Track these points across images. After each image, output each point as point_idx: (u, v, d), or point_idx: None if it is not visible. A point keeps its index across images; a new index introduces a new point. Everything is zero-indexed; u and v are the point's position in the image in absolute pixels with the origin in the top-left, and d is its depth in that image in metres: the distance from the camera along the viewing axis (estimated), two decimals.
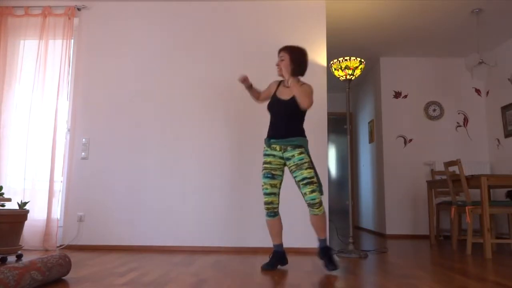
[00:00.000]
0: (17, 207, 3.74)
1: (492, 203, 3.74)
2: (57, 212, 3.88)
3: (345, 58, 3.72)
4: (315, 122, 4.02)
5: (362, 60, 3.73)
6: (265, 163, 2.88)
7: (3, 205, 3.32)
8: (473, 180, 3.80)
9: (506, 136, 5.28)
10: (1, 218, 3.03)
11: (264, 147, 2.94)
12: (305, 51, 2.94)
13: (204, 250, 3.86)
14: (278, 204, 2.87)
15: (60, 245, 3.90)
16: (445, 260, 3.36)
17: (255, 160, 3.98)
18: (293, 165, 2.77)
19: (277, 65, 2.91)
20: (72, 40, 4.16)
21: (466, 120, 5.80)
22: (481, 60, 4.39)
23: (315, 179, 2.75)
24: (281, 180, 2.90)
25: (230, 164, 3.98)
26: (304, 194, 2.75)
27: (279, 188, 2.89)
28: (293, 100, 2.84)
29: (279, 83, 3.04)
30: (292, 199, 3.91)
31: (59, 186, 3.95)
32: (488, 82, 5.74)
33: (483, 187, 3.65)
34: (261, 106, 4.05)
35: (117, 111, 4.09)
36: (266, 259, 3.32)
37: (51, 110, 4.02)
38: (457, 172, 5.20)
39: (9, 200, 3.26)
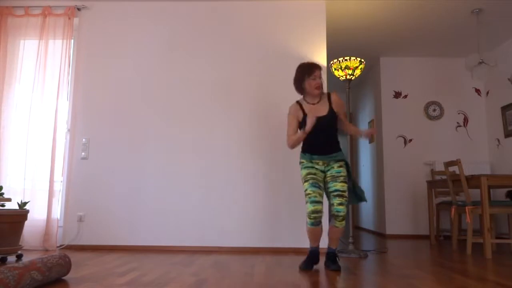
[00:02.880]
0: (17, 207, 3.74)
1: (492, 203, 3.74)
2: (57, 212, 3.88)
3: (345, 58, 3.72)
4: None
5: (362, 60, 3.73)
6: (309, 174, 2.84)
7: (3, 205, 3.32)
8: (473, 180, 3.80)
9: (506, 136, 5.28)
10: (1, 218, 3.03)
11: (302, 161, 2.91)
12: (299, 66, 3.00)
13: (204, 250, 3.86)
14: (323, 213, 2.83)
15: (60, 245, 3.90)
16: (445, 260, 3.36)
17: (255, 160, 3.98)
18: (330, 176, 2.85)
19: (319, 84, 2.87)
20: (72, 40, 4.16)
21: (466, 120, 5.80)
22: (481, 60, 4.39)
23: (346, 194, 2.80)
24: (323, 191, 2.89)
25: (230, 164, 3.98)
26: (331, 205, 2.80)
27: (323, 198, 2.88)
28: (331, 114, 2.87)
29: (299, 104, 2.96)
30: (294, 200, 3.91)
31: (59, 186, 3.95)
32: (488, 82, 5.74)
33: (483, 187, 3.65)
34: (262, 106, 4.05)
35: (117, 111, 4.09)
36: (266, 259, 3.32)
37: (51, 110, 4.02)
38: (457, 172, 5.20)
39: (9, 200, 3.26)
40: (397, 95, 5.90)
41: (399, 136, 5.80)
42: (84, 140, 4.05)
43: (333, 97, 2.95)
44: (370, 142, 6.51)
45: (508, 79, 5.27)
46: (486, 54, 4.47)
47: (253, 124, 4.03)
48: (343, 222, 2.82)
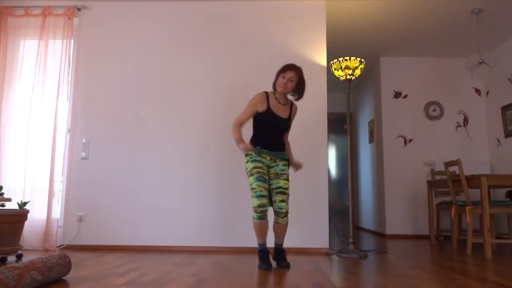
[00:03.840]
0: (17, 207, 3.74)
1: (492, 203, 3.74)
2: (57, 212, 3.88)
3: (345, 58, 3.72)
4: (315, 122, 4.02)
5: (362, 60, 3.73)
6: (256, 167, 2.88)
7: (3, 205, 3.32)
8: (473, 180, 3.80)
9: (506, 136, 5.28)
10: (1, 218, 3.03)
11: (251, 154, 2.93)
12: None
13: (204, 250, 3.86)
14: (268, 207, 2.86)
15: (60, 245, 3.90)
16: (445, 260, 3.36)
17: None
18: (273, 173, 2.95)
19: (285, 84, 2.92)
20: (72, 40, 4.16)
21: (466, 120, 5.80)
22: (481, 60, 4.39)
23: (288, 191, 2.93)
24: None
25: (230, 164, 3.98)
26: (273, 201, 2.91)
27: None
28: (288, 120, 3.05)
29: (267, 96, 3.01)
30: (292, 200, 3.91)
31: (59, 186, 3.95)
32: (488, 82, 5.74)
33: (483, 187, 3.65)
34: None
35: (117, 111, 4.09)
36: None
37: (51, 110, 4.02)
38: (457, 172, 5.20)
39: (9, 200, 3.26)
40: (397, 95, 5.90)
41: (399, 136, 5.80)
42: (84, 140, 4.05)
43: (294, 108, 3.12)
44: (370, 142, 6.51)
45: (508, 79, 5.27)
46: (486, 54, 4.47)
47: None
48: (286, 218, 2.91)
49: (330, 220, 7.19)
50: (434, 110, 5.82)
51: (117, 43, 4.20)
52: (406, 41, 5.39)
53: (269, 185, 2.94)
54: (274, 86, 3.02)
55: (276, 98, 3.02)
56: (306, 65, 4.09)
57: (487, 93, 5.76)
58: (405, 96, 5.89)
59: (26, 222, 3.71)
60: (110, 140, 4.05)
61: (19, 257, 3.16)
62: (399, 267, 2.95)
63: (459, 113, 5.82)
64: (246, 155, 2.95)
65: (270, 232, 3.65)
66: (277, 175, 2.92)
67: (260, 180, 2.83)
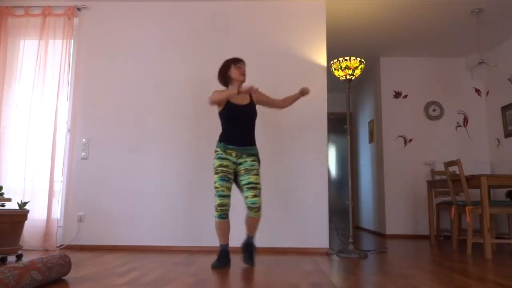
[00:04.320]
0: (17, 207, 3.74)
1: (492, 203, 3.74)
2: (57, 212, 3.88)
3: (345, 58, 3.72)
4: (315, 122, 4.02)
5: (362, 60, 3.73)
6: (221, 166, 2.90)
7: (3, 205, 3.32)
8: (473, 180, 3.80)
9: (506, 136, 5.28)
10: (1, 218, 3.03)
11: (217, 150, 2.96)
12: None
13: (204, 250, 3.86)
14: (229, 206, 2.91)
15: (60, 245, 3.90)
16: (445, 260, 3.36)
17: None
18: (243, 169, 2.93)
19: (244, 72, 3.06)
20: (72, 40, 4.16)
21: (466, 120, 5.80)
22: (481, 60, 4.39)
23: (259, 186, 2.92)
24: (232, 185, 2.96)
25: None
26: (245, 197, 2.90)
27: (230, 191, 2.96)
28: (252, 105, 3.02)
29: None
30: (292, 200, 3.91)
31: (59, 186, 3.95)
32: (488, 82, 5.74)
33: (483, 187, 3.65)
34: (264, 107, 4.05)
35: (117, 111, 4.09)
36: (266, 259, 3.32)
37: (51, 110, 4.02)
38: (457, 172, 5.20)
39: (9, 200, 3.26)
40: (397, 95, 5.90)
41: (399, 136, 5.80)
42: (84, 140, 4.05)
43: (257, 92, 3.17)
44: (370, 142, 6.51)
45: (508, 79, 5.27)
46: (486, 54, 4.47)
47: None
48: (259, 212, 2.90)
49: (330, 220, 7.20)
50: (434, 110, 5.82)
51: (117, 43, 4.20)
52: (406, 41, 5.39)
53: (240, 181, 2.93)
54: (225, 80, 3.08)
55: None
56: (306, 65, 4.10)
57: (487, 93, 5.76)
58: (405, 96, 5.89)
59: (26, 222, 3.71)
60: (110, 140, 4.05)
61: (19, 257, 3.16)
62: (399, 267, 2.95)
63: (459, 113, 5.82)
64: (215, 151, 2.99)
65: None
66: (247, 171, 2.90)
67: (223, 180, 2.87)
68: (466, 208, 3.83)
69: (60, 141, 4.00)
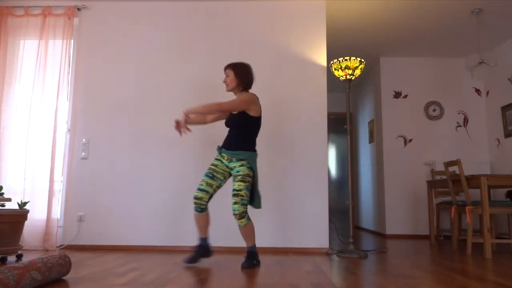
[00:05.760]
0: (17, 207, 3.74)
1: (492, 203, 3.74)
2: (57, 212, 3.88)
3: (345, 58, 3.72)
4: (315, 122, 4.02)
5: (362, 60, 3.73)
6: (212, 165, 3.04)
7: (3, 205, 3.32)
8: (473, 180, 3.80)
9: (506, 136, 5.28)
10: (1, 218, 3.03)
11: (217, 153, 3.08)
12: (248, 65, 3.09)
13: None
14: (206, 202, 2.96)
15: (60, 245, 3.90)
16: (445, 260, 3.36)
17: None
18: (234, 175, 2.95)
19: (224, 82, 3.08)
20: (72, 40, 4.16)
21: (466, 120, 5.80)
22: (481, 60, 4.39)
23: (242, 192, 2.86)
24: (219, 184, 3.02)
25: None
26: (231, 203, 2.93)
27: (214, 190, 3.00)
28: (240, 114, 2.98)
29: None
30: (292, 200, 3.91)
31: (59, 186, 3.95)
32: (488, 82, 5.74)
33: (483, 187, 3.65)
34: (264, 108, 4.05)
35: (117, 111, 4.09)
36: (266, 258, 3.32)
37: (51, 110, 4.02)
38: (457, 172, 5.20)
39: (9, 200, 3.26)
40: (397, 95, 5.90)
41: (399, 136, 5.80)
42: (84, 140, 4.05)
43: (240, 94, 3.03)
44: (370, 142, 6.51)
45: (508, 79, 5.27)
46: (486, 54, 4.47)
47: None
48: (242, 220, 2.84)
49: (330, 220, 7.20)
50: (434, 110, 5.82)
51: (117, 43, 4.20)
52: (406, 41, 5.39)
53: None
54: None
55: None
56: (306, 65, 4.10)
57: (487, 93, 5.76)
58: (405, 96, 5.89)
59: (26, 222, 3.71)
60: (110, 140, 4.05)
61: (19, 257, 3.16)
62: (399, 267, 2.95)
63: (459, 113, 5.82)
64: None
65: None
66: (234, 177, 2.93)
67: (206, 175, 2.98)
68: (466, 208, 3.83)
69: (60, 141, 4.00)
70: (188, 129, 2.97)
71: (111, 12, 4.25)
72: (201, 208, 2.96)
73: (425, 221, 5.58)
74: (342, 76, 3.80)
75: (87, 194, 3.97)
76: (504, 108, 5.31)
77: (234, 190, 2.88)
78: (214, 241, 3.87)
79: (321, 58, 4.12)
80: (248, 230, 2.89)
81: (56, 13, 4.13)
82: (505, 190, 5.26)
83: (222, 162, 3.01)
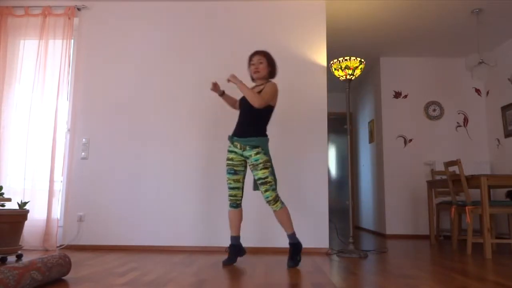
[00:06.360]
0: (17, 207, 3.74)
1: (492, 203, 3.74)
2: (57, 212, 3.88)
3: (345, 58, 3.72)
4: (315, 122, 4.02)
5: (362, 60, 3.73)
6: (228, 159, 3.08)
7: (3, 205, 3.32)
8: (473, 180, 3.80)
9: (506, 136, 5.28)
10: (1, 218, 3.04)
11: (229, 143, 3.11)
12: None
13: (204, 250, 3.86)
14: (241, 196, 3.07)
15: (60, 245, 3.90)
16: (445, 260, 3.36)
17: None
18: (251, 164, 2.96)
19: (256, 68, 3.06)
20: (72, 40, 4.16)
21: (466, 120, 5.80)
22: (481, 60, 4.39)
23: (269, 179, 2.91)
24: (244, 175, 3.09)
25: None
26: (261, 192, 2.93)
27: (242, 183, 3.08)
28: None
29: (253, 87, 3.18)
30: (292, 199, 3.91)
31: (59, 186, 3.95)
32: (488, 82, 5.74)
33: (483, 187, 3.65)
34: None
35: (117, 111, 4.09)
36: (266, 259, 3.32)
37: (51, 110, 4.02)
38: (457, 172, 5.20)
39: (9, 200, 3.26)
40: (397, 95, 5.90)
41: (399, 136, 5.80)
42: (84, 140, 4.05)
43: (265, 87, 3.01)
44: (370, 142, 6.51)
45: (508, 79, 5.27)
46: (486, 54, 4.47)
47: None
48: (277, 203, 2.90)
49: (330, 220, 7.20)
50: (434, 110, 5.82)
51: (117, 43, 4.20)
52: (406, 41, 5.39)
53: (253, 175, 2.97)
54: (251, 78, 3.19)
55: (257, 85, 3.14)
56: (306, 65, 4.10)
57: (487, 93, 5.76)
58: (405, 96, 5.89)
59: (26, 222, 3.71)
60: (110, 140, 4.05)
61: (19, 257, 3.16)
62: (399, 267, 2.95)
63: (459, 113, 5.82)
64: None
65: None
66: (254, 166, 2.92)
67: (230, 173, 3.05)
68: (466, 208, 3.83)
69: (60, 141, 4.00)
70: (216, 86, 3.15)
71: (111, 12, 4.25)
72: (237, 204, 3.05)
73: (425, 221, 5.58)
74: (342, 76, 3.80)
75: (87, 194, 3.97)
76: (504, 108, 5.31)
77: (260, 179, 2.90)
78: (214, 242, 3.88)
79: (321, 58, 4.12)
80: (284, 214, 2.93)
81: (56, 13, 4.13)
82: (505, 190, 5.26)
83: (236, 153, 3.02)
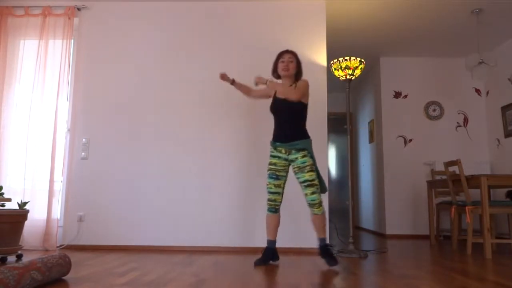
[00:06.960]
0: (17, 207, 3.74)
1: (492, 203, 3.74)
2: (57, 212, 3.88)
3: (345, 58, 3.72)
4: (315, 122, 4.02)
5: (362, 60, 3.73)
6: (270, 164, 3.06)
7: (3, 205, 3.32)
8: (473, 180, 3.80)
9: (506, 136, 5.28)
10: (1, 218, 3.03)
11: (271, 148, 3.10)
12: None
13: (204, 250, 3.86)
14: (280, 202, 3.08)
15: (60, 245, 3.90)
16: (445, 260, 3.36)
17: (255, 161, 3.98)
18: (296, 167, 2.96)
19: (286, 66, 3.05)
20: (72, 40, 4.16)
21: (466, 120, 5.80)
22: (481, 60, 4.39)
23: (316, 181, 2.92)
24: (285, 180, 3.09)
25: (230, 164, 3.98)
26: (305, 195, 2.94)
27: (283, 188, 3.08)
28: (295, 102, 3.00)
29: (277, 84, 3.14)
30: (294, 200, 3.91)
31: (59, 186, 3.95)
32: (488, 82, 5.74)
33: (483, 187, 3.65)
34: (262, 106, 4.05)
35: (117, 111, 4.09)
36: None
37: (51, 110, 4.02)
38: (457, 172, 5.20)
39: (9, 200, 3.26)
40: (397, 95, 5.90)
41: (399, 136, 5.80)
42: (84, 140, 4.05)
43: (299, 84, 3.06)
44: (370, 142, 6.51)
45: (508, 79, 5.27)
46: (486, 54, 4.46)
47: (253, 124, 4.03)
48: (321, 208, 2.93)
49: (330, 220, 7.20)
50: (434, 110, 5.82)
51: (117, 43, 4.20)
52: (406, 41, 5.39)
53: (297, 178, 2.98)
54: (275, 74, 3.17)
55: (283, 83, 3.12)
56: (306, 65, 4.09)
57: (487, 93, 5.76)
58: (405, 96, 5.89)
59: (26, 222, 3.71)
60: (110, 140, 4.05)
61: (19, 257, 3.16)
62: (399, 267, 2.95)
63: (459, 113, 5.82)
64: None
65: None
66: (300, 169, 2.93)
67: (272, 178, 3.03)
68: (466, 208, 3.83)
69: (60, 141, 4.00)
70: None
71: (111, 12, 4.25)
72: (275, 209, 3.05)
73: (425, 221, 5.58)
74: (342, 76, 3.80)
75: (87, 194, 3.97)
76: (504, 108, 5.31)
77: (306, 181, 2.91)
78: (214, 242, 3.87)
79: (321, 58, 4.12)
80: (324, 218, 2.97)
81: (56, 13, 4.13)
82: (505, 190, 5.26)
83: (280, 158, 3.02)
